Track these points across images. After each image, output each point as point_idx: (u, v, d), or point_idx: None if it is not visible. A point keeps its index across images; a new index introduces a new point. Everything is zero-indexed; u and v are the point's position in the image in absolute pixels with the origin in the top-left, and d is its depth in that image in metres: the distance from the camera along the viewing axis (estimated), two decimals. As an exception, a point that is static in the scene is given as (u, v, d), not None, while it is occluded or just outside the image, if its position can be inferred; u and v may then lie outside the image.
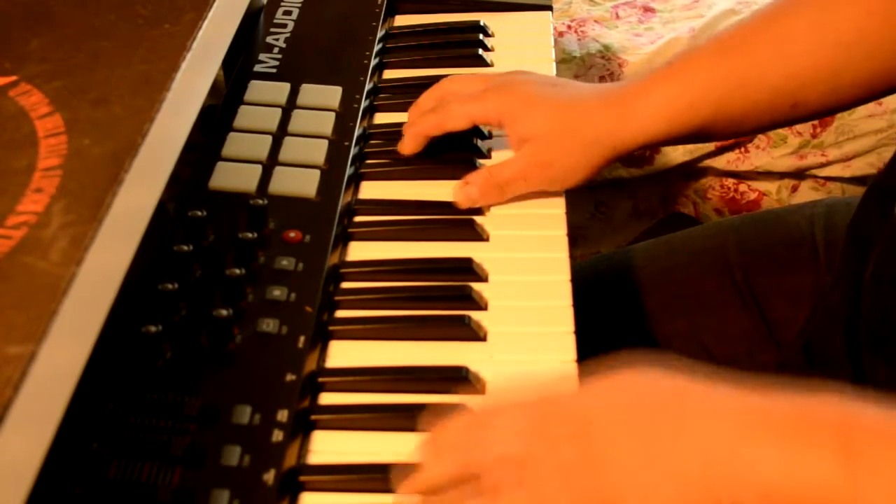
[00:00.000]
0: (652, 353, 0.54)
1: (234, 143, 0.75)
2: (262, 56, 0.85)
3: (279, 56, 0.85)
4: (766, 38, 0.73)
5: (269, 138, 0.75)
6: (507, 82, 0.76)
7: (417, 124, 0.77)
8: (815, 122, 1.38)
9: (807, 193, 1.47)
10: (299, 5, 0.92)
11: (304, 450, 0.57)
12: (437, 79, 0.86)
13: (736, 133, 0.77)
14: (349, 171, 0.74)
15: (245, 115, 0.78)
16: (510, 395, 0.55)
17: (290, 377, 0.58)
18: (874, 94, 0.73)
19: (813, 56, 0.71)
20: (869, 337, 0.69)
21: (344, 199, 0.72)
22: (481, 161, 0.77)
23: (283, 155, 0.74)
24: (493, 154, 0.79)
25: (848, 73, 0.71)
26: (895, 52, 0.70)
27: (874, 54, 0.71)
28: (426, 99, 0.79)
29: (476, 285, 0.66)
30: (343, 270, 0.68)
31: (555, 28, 1.07)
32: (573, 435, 0.51)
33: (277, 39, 0.87)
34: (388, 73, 0.89)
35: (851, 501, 0.45)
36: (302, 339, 0.60)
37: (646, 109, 0.72)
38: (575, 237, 1.43)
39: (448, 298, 0.66)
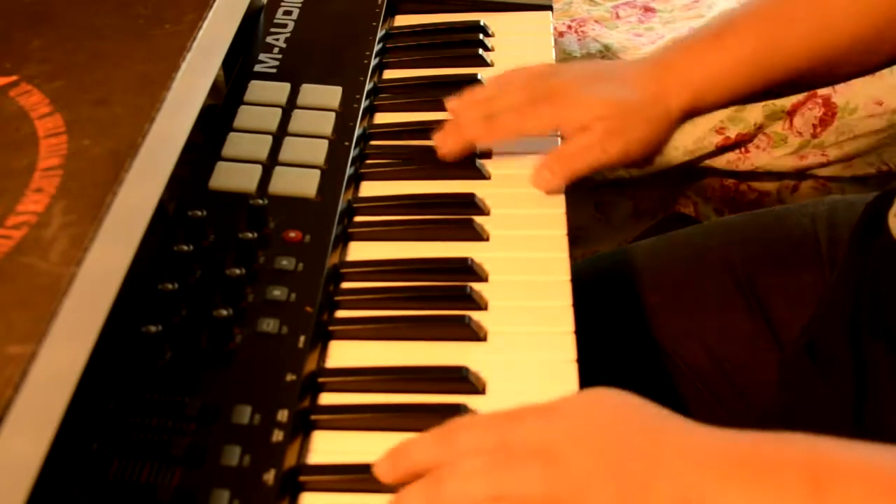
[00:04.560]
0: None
1: (234, 143, 0.75)
2: (262, 56, 0.85)
3: (279, 56, 0.85)
4: (806, 7, 0.75)
5: (269, 138, 0.75)
6: (554, 88, 0.75)
7: (466, 131, 0.76)
8: (816, 122, 1.38)
9: (807, 193, 1.47)
10: (299, 5, 0.92)
11: (304, 450, 0.57)
12: (437, 79, 0.87)
13: (780, 95, 0.82)
14: (349, 171, 0.74)
15: (245, 115, 0.78)
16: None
17: (290, 377, 0.58)
18: None
19: (850, 26, 0.73)
20: (870, 323, 0.69)
21: (344, 199, 0.72)
22: (481, 161, 0.78)
23: (283, 155, 0.74)
24: (494, 153, 0.79)
25: (884, 44, 0.74)
26: None
27: None
28: (471, 105, 0.78)
29: (476, 285, 0.66)
30: (343, 270, 0.68)
31: (555, 28, 1.07)
32: (539, 466, 0.49)
33: (277, 39, 0.87)
34: (388, 73, 0.89)
35: None
36: (302, 339, 0.60)
37: (701, 75, 0.74)
38: (575, 237, 1.42)
39: (448, 298, 0.66)
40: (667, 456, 0.49)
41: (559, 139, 0.80)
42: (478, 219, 0.72)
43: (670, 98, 0.74)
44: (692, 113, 0.76)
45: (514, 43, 0.92)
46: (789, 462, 0.48)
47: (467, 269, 0.67)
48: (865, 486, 0.45)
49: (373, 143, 0.80)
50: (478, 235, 0.71)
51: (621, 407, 0.52)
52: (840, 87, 1.37)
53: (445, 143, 0.76)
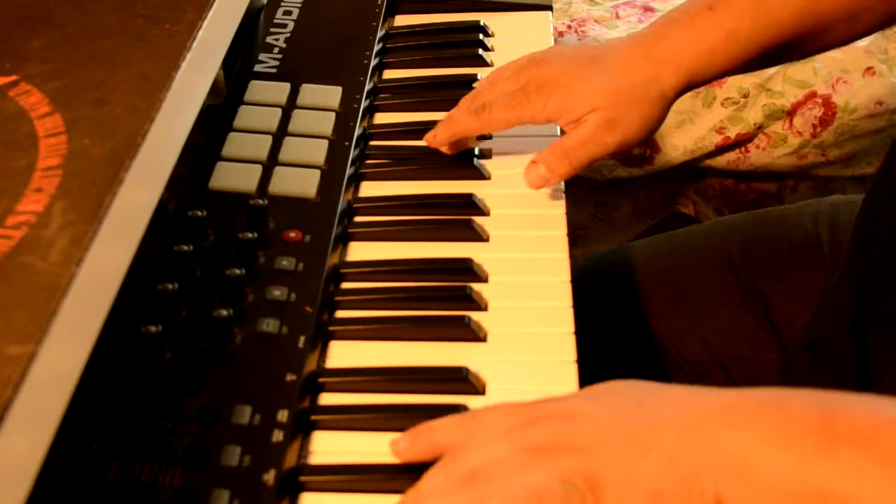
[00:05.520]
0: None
1: (234, 143, 0.75)
2: (262, 56, 0.85)
3: (279, 56, 0.85)
4: None
5: (269, 138, 0.75)
6: (545, 77, 0.75)
7: (457, 124, 0.76)
8: (815, 122, 1.38)
9: (807, 193, 1.47)
10: (299, 5, 0.92)
11: (304, 450, 0.57)
12: (437, 79, 0.87)
13: (768, 65, 0.80)
14: (349, 171, 0.74)
15: (245, 115, 0.78)
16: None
17: (290, 377, 0.58)
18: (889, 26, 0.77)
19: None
20: (874, 313, 0.69)
21: (344, 199, 0.72)
22: (481, 161, 0.78)
23: (283, 155, 0.74)
24: (494, 153, 0.79)
25: (866, 14, 0.74)
26: None
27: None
28: (461, 102, 0.78)
29: (476, 286, 0.66)
30: (343, 270, 0.68)
31: (555, 28, 1.07)
32: (555, 422, 0.51)
33: (277, 39, 0.87)
34: (388, 73, 0.89)
35: (836, 483, 0.45)
36: (302, 339, 0.60)
37: (694, 54, 0.74)
38: (575, 237, 1.43)
39: (448, 299, 0.66)
40: (670, 409, 0.50)
41: (559, 134, 0.80)
42: (478, 219, 0.72)
43: (664, 79, 0.73)
44: (687, 90, 0.75)
45: (514, 43, 0.92)
46: (797, 399, 0.49)
47: (467, 270, 0.67)
48: (874, 418, 0.46)
49: (373, 143, 0.80)
50: (478, 236, 0.71)
51: (636, 384, 0.54)
52: (840, 87, 1.37)
53: (435, 137, 0.77)
